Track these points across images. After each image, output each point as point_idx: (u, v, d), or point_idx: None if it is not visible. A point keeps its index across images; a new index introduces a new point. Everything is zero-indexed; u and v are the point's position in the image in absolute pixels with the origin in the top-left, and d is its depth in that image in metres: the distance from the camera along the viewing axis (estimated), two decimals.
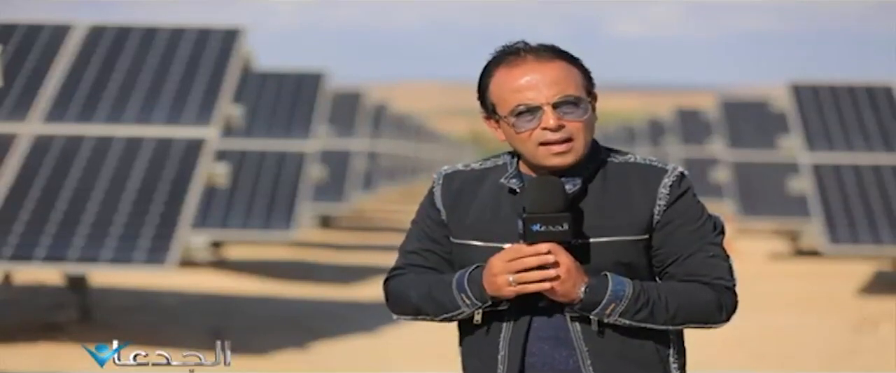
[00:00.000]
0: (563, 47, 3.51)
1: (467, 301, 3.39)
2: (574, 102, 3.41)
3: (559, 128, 3.39)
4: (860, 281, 16.80)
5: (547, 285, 3.32)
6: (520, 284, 3.32)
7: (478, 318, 3.42)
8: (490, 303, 3.38)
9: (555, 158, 3.40)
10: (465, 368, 3.53)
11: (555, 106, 3.40)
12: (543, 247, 3.31)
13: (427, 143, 49.46)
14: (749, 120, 23.93)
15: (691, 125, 28.83)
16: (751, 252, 20.92)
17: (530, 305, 3.40)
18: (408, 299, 3.49)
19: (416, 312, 3.50)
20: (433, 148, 51.47)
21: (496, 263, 3.34)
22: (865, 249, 15.29)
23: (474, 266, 3.41)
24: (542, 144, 3.40)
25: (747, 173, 22.62)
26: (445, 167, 3.60)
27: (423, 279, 3.49)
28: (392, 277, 3.56)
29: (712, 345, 10.12)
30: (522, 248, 3.32)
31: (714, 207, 22.05)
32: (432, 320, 3.49)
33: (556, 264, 3.31)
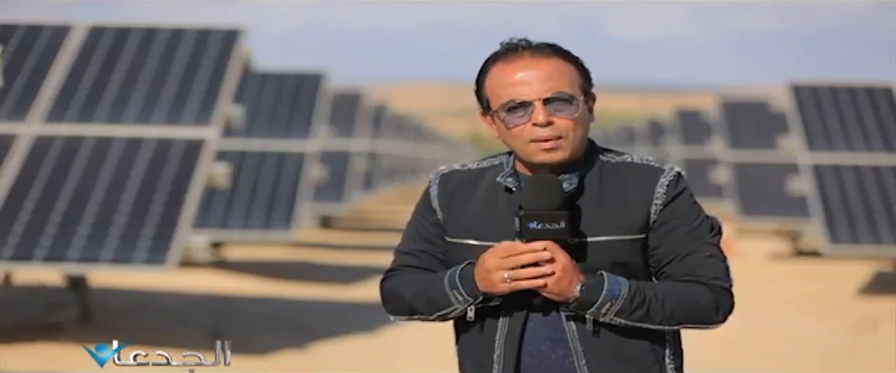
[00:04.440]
0: (564, 47, 3.49)
1: (459, 298, 3.39)
2: (566, 100, 3.40)
3: (548, 124, 3.38)
4: (860, 281, 16.79)
5: (541, 282, 3.32)
6: (514, 280, 3.32)
7: (471, 315, 3.41)
8: (481, 299, 3.38)
9: (543, 154, 3.39)
10: (461, 368, 3.52)
11: (545, 102, 3.39)
12: (538, 244, 3.31)
13: (427, 143, 49.42)
14: (749, 120, 23.93)
15: (691, 125, 28.82)
16: (751, 252, 20.91)
17: (526, 304, 3.39)
18: (402, 298, 3.49)
19: (411, 311, 3.49)
20: (433, 148, 51.43)
21: (490, 259, 3.33)
22: (865, 250, 15.29)
23: (466, 263, 3.40)
24: (533, 140, 3.40)
25: (747, 173, 22.62)
26: (442, 167, 3.60)
27: (417, 279, 3.49)
28: (387, 279, 3.56)
29: (712, 345, 10.12)
30: (517, 245, 3.32)
31: (714, 207, 22.12)
32: (427, 319, 3.48)
33: (551, 261, 3.31)
